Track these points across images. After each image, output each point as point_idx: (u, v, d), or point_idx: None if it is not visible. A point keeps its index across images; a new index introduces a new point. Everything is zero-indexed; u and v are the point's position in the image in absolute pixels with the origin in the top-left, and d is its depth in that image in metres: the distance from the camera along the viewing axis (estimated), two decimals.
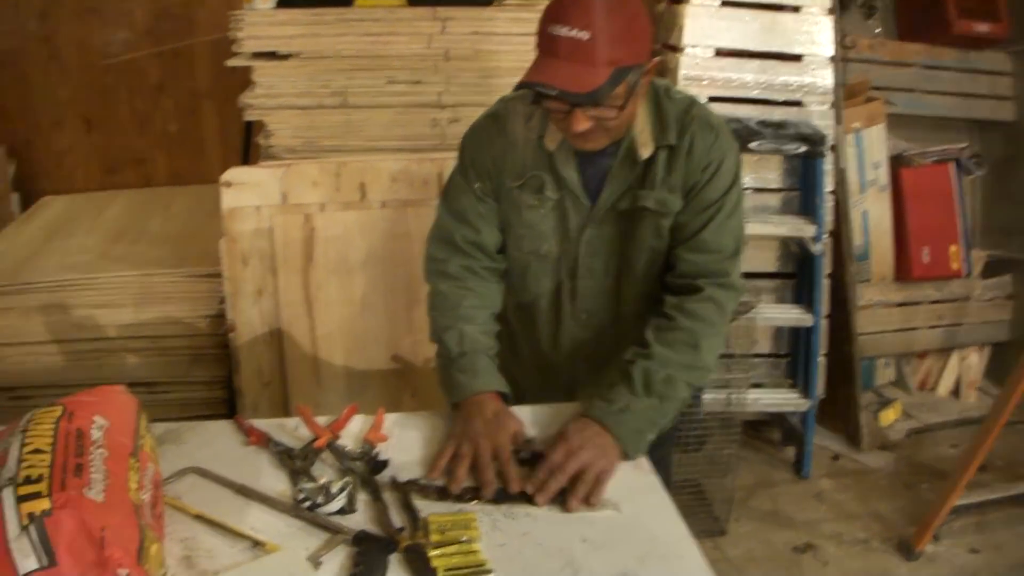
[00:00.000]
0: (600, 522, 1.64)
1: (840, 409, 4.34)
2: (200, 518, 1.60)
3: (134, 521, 1.32)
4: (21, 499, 1.24)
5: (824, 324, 4.06)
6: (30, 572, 1.17)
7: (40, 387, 3.42)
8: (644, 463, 1.83)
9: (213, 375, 3.54)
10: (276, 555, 1.50)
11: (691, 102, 2.00)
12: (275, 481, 1.73)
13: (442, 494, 1.70)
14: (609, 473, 1.74)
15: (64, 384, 3.25)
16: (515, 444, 1.82)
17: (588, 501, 1.68)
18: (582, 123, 1.80)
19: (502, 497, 1.69)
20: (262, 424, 1.92)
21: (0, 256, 3.86)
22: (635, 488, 1.74)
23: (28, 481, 1.27)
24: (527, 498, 1.68)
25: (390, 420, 1.94)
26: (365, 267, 3.34)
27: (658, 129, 1.95)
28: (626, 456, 1.81)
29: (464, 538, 1.54)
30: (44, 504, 1.23)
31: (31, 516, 1.21)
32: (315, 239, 3.29)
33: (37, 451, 1.34)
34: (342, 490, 1.64)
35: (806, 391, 4.03)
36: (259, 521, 1.60)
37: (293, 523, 1.60)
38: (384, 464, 1.78)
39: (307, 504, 1.63)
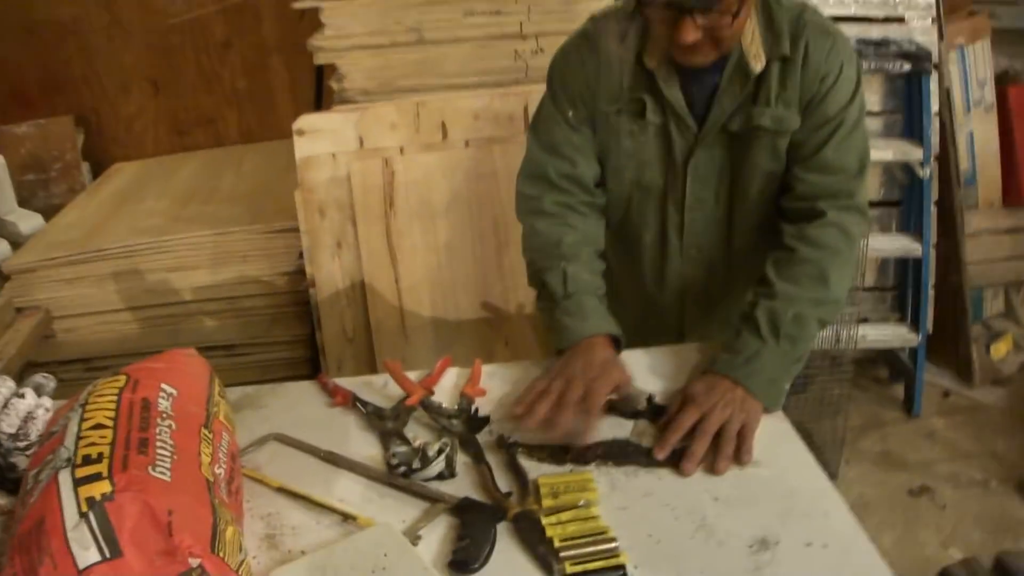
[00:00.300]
0: (731, 476, 1.49)
1: (948, 343, 4.17)
2: (283, 491, 1.50)
3: (206, 500, 1.18)
4: (79, 482, 1.11)
5: (932, 254, 3.89)
6: (91, 565, 1.03)
7: (116, 356, 3.43)
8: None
9: (294, 334, 3.53)
10: (369, 531, 1.36)
11: (803, 7, 1.81)
12: (365, 445, 1.62)
13: (555, 455, 1.55)
14: (752, 427, 1.58)
15: (140, 352, 3.17)
16: (616, 395, 1.67)
17: (739, 460, 1.53)
18: (692, 33, 1.61)
19: (617, 455, 1.55)
20: (347, 383, 1.81)
21: (71, 226, 3.87)
22: (767, 437, 1.59)
23: (87, 461, 1.15)
24: (648, 461, 1.54)
25: (485, 372, 1.81)
26: (450, 211, 3.26)
27: (770, 39, 1.76)
28: (764, 410, 1.64)
29: (581, 502, 1.41)
30: (104, 487, 1.10)
31: (90, 502, 1.08)
32: (395, 184, 3.21)
33: (98, 426, 1.22)
34: (440, 452, 1.51)
35: (915, 325, 3.89)
36: (348, 491, 1.50)
37: (386, 492, 1.50)
38: (485, 421, 1.65)
39: (401, 470, 1.51)
